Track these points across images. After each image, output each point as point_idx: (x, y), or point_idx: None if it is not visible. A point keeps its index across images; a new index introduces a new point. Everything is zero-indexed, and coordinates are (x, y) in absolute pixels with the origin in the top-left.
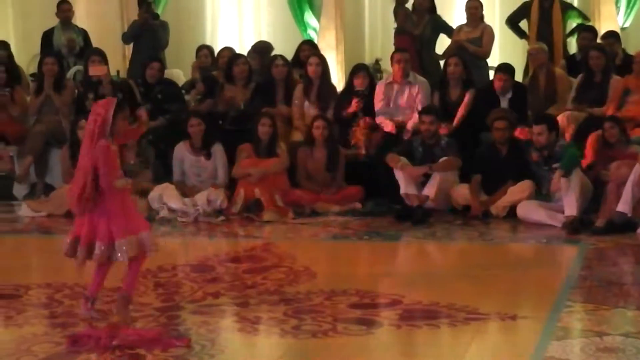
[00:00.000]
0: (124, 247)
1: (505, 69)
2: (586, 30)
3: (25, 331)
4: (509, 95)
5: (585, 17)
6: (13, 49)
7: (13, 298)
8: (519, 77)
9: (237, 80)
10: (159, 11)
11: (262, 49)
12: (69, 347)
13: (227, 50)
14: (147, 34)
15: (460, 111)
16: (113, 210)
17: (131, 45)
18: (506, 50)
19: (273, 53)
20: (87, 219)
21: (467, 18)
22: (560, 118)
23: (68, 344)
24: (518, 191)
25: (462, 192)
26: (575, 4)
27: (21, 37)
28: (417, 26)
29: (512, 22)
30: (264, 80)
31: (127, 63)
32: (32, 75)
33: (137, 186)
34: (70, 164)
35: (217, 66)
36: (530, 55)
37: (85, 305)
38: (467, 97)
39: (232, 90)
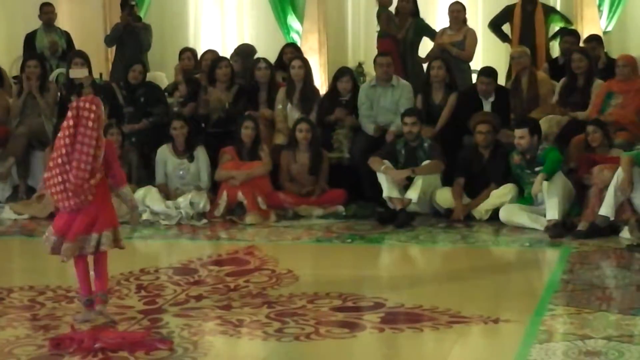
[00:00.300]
0: (108, 239)
1: (488, 73)
2: (569, 34)
3: (7, 334)
4: (492, 98)
5: (568, 21)
6: None
7: None
8: (501, 80)
9: (220, 83)
10: (142, 14)
11: (244, 52)
12: (52, 350)
13: (210, 52)
14: (130, 37)
15: (444, 114)
16: (108, 201)
17: (114, 48)
18: (489, 53)
19: (256, 56)
20: (83, 211)
21: (450, 21)
22: (542, 121)
23: (51, 347)
24: (501, 194)
25: (445, 195)
26: (558, 7)
27: (3, 39)
28: (400, 29)
29: (495, 25)
30: (247, 83)
31: (110, 66)
32: (14, 77)
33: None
34: None
35: (200, 69)
36: (513, 59)
37: (88, 308)
38: (450, 100)
39: (215, 93)
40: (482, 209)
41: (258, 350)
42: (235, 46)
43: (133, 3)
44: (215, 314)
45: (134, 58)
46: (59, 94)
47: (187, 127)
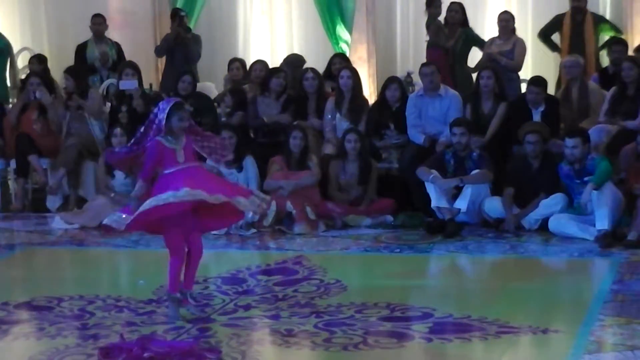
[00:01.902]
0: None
1: (538, 82)
2: (617, 43)
3: (57, 343)
4: (541, 108)
5: (617, 30)
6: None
7: (46, 310)
8: (551, 90)
9: (272, 93)
10: (192, 24)
11: (294, 62)
12: (101, 359)
13: (259, 63)
14: (180, 47)
15: (493, 124)
16: None
17: (164, 58)
18: (538, 63)
19: (305, 66)
20: None
21: (499, 31)
22: (592, 131)
23: (100, 356)
24: (550, 204)
25: (494, 205)
26: (608, 16)
27: (55, 50)
28: (449, 39)
29: (545, 35)
30: (296, 93)
31: (160, 76)
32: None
33: None
34: (105, 172)
35: (249, 79)
36: (565, 68)
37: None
38: (499, 110)
39: (265, 102)
40: (532, 218)
41: (306, 359)
42: (284, 56)
43: (183, 14)
44: (264, 323)
45: (183, 69)
46: (108, 104)
47: (235, 137)
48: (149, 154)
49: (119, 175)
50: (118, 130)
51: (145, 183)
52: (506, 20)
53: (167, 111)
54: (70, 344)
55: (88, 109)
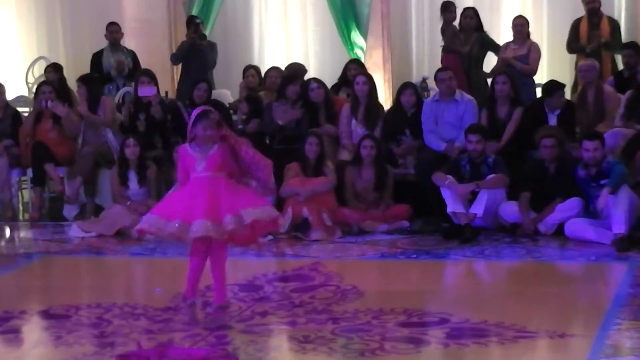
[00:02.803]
0: None
1: (561, 86)
2: (628, 47)
3: (75, 351)
4: (557, 112)
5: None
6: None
7: (63, 318)
8: (566, 94)
9: (289, 100)
10: (207, 32)
11: (294, 71)
12: None
13: (275, 70)
14: (195, 55)
15: (509, 129)
16: None
17: (180, 66)
18: (554, 67)
19: (311, 75)
20: None
21: (514, 35)
22: (608, 135)
23: None
24: (566, 209)
25: (510, 210)
26: (622, 19)
27: (71, 59)
28: (464, 45)
29: (573, 48)
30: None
31: (175, 84)
32: None
33: None
34: (119, 183)
35: (265, 86)
36: (581, 72)
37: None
38: (515, 115)
39: (281, 109)
40: (548, 223)
41: None
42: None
43: (198, 21)
44: (281, 330)
45: (199, 76)
46: (124, 112)
47: (251, 144)
48: (177, 160)
49: (133, 184)
50: (131, 141)
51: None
52: (521, 25)
53: (193, 119)
54: (88, 352)
55: (99, 121)
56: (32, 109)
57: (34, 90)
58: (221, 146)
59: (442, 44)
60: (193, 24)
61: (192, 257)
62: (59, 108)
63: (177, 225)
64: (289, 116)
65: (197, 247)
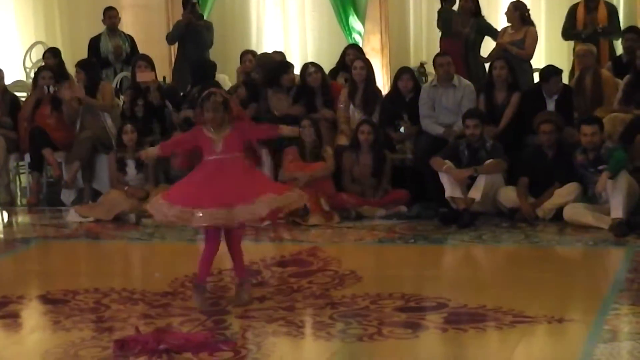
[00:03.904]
0: None
1: (558, 72)
2: (630, 31)
3: (73, 336)
4: (555, 97)
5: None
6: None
7: (61, 303)
8: (564, 79)
9: (283, 88)
10: (205, 16)
11: (266, 63)
12: (116, 352)
13: (278, 54)
14: (192, 35)
15: (506, 114)
16: None
17: (176, 50)
18: (552, 52)
19: (311, 60)
20: None
21: (508, 21)
22: (606, 120)
23: (115, 349)
24: (564, 194)
25: (508, 195)
26: (621, 5)
27: (68, 44)
28: (462, 29)
29: (568, 34)
30: (302, 88)
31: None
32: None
33: None
34: (117, 169)
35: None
36: (578, 57)
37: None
38: (513, 100)
39: (276, 96)
40: (546, 208)
41: (321, 351)
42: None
43: (195, 1)
44: (279, 315)
45: (196, 57)
46: (122, 97)
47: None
48: (183, 137)
49: (131, 170)
50: (129, 127)
51: (162, 149)
52: (510, 10)
53: (199, 103)
54: (86, 337)
55: (98, 106)
56: (30, 94)
57: (31, 75)
58: (236, 126)
59: (439, 29)
60: (189, 3)
61: (206, 243)
62: (62, 91)
63: (200, 215)
64: (289, 110)
65: (211, 232)
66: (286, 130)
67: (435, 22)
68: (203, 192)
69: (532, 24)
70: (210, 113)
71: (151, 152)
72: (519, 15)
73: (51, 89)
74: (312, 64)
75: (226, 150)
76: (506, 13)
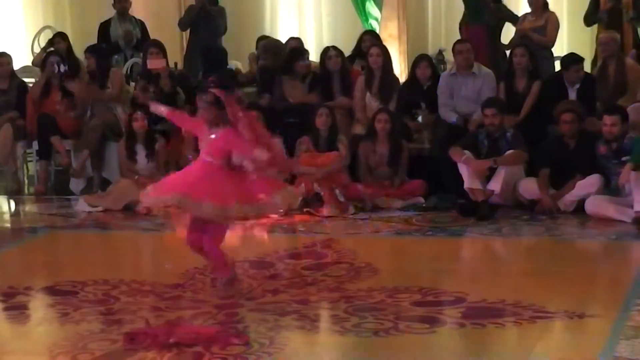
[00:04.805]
0: None
1: (579, 60)
2: None
3: (81, 328)
4: (577, 86)
5: None
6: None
7: (69, 294)
8: (587, 67)
9: (297, 75)
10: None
11: (274, 48)
12: (126, 345)
13: (294, 40)
14: (205, 21)
15: (527, 103)
16: None
17: (188, 36)
18: (573, 40)
19: (328, 44)
20: None
21: (530, 7)
22: (630, 109)
23: (125, 342)
24: (586, 185)
25: (529, 186)
26: None
27: (77, 29)
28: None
29: (590, 20)
30: (320, 73)
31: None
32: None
33: None
34: (127, 157)
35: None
36: (601, 45)
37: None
38: (533, 89)
39: (291, 84)
40: (567, 200)
41: (336, 345)
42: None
43: None
44: (292, 308)
45: (208, 43)
46: (132, 83)
47: (262, 118)
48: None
49: (141, 158)
50: (139, 114)
51: (170, 113)
52: None
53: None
54: (95, 329)
55: (108, 96)
56: (38, 79)
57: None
58: (226, 132)
59: (460, 13)
60: None
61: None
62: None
63: (211, 205)
64: (304, 98)
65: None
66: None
67: (453, 8)
68: (198, 186)
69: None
70: (200, 110)
71: (160, 109)
72: (543, 1)
73: (62, 68)
74: (333, 47)
75: (207, 152)
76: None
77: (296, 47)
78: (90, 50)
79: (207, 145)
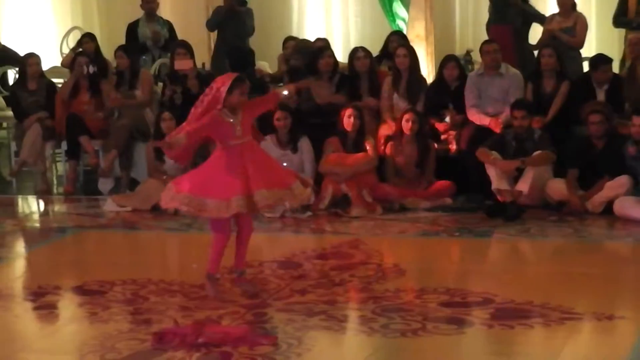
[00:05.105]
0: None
1: (607, 60)
2: None
3: (109, 328)
4: (606, 87)
5: None
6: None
7: (98, 294)
8: (615, 68)
9: (323, 74)
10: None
11: (305, 48)
12: (154, 345)
13: (320, 41)
14: (232, 21)
15: (555, 104)
16: None
17: (215, 36)
18: (602, 41)
19: (356, 45)
20: None
21: (559, 7)
22: None
23: (153, 342)
24: (615, 187)
25: (556, 187)
26: None
27: (105, 29)
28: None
29: (619, 22)
30: (348, 74)
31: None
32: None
33: None
34: (155, 157)
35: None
36: (630, 45)
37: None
38: (561, 89)
39: (317, 84)
40: (596, 201)
41: (363, 346)
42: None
43: None
44: (320, 308)
45: (236, 44)
46: (160, 84)
47: (290, 118)
48: (207, 122)
49: (169, 159)
50: (167, 114)
51: (188, 136)
52: None
53: (229, 84)
54: (123, 329)
55: (139, 102)
56: (67, 80)
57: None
58: (244, 109)
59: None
60: None
61: (219, 233)
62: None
63: (240, 201)
64: (331, 99)
65: (224, 222)
66: (282, 93)
67: (481, 8)
68: (229, 183)
69: None
70: (243, 97)
71: (177, 141)
72: (572, 2)
73: (91, 69)
74: (362, 48)
75: (244, 134)
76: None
77: (319, 46)
78: (122, 49)
79: (240, 127)
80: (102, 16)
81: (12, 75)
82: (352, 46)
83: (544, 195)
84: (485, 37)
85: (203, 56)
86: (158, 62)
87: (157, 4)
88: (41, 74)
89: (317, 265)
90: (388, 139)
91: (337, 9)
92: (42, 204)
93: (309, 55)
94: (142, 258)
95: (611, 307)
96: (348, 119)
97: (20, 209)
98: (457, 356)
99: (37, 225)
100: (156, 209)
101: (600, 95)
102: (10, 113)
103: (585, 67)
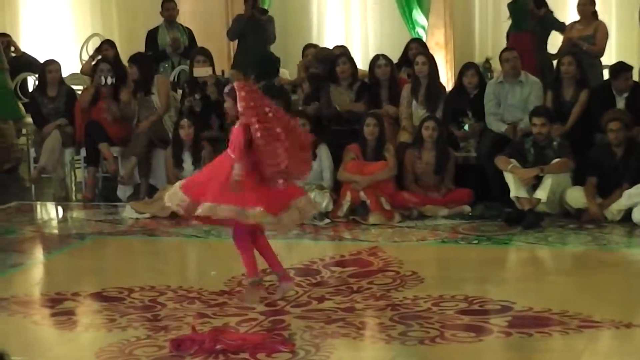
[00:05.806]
0: None
1: (628, 68)
2: None
3: (128, 334)
4: (626, 94)
5: None
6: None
7: (116, 301)
8: (635, 76)
9: (342, 80)
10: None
11: (326, 56)
12: (173, 351)
13: (339, 48)
14: (253, 30)
15: (575, 112)
16: None
17: (235, 44)
18: (622, 48)
19: (377, 52)
20: None
21: (579, 15)
22: None
23: (171, 348)
24: (634, 194)
25: (575, 195)
26: None
27: (125, 36)
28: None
29: None
30: (369, 82)
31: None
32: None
33: None
34: (174, 164)
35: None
36: None
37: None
38: (581, 97)
39: (337, 90)
40: (615, 209)
41: (381, 354)
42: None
43: None
44: (338, 316)
45: (257, 52)
46: (179, 91)
47: (309, 125)
48: (243, 139)
49: (188, 166)
50: (185, 122)
51: (244, 164)
52: (583, 4)
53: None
54: (141, 335)
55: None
56: (87, 87)
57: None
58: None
59: (507, 22)
60: None
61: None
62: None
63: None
64: (351, 106)
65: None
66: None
67: (500, 16)
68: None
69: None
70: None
71: (239, 174)
72: (592, 9)
73: (109, 80)
74: (383, 56)
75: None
76: (579, 6)
77: (336, 54)
78: (131, 60)
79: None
80: (122, 23)
81: (31, 81)
82: (371, 53)
83: (563, 203)
84: (505, 44)
85: (223, 63)
86: (177, 69)
87: (177, 11)
88: (61, 81)
89: (335, 273)
90: (407, 146)
91: (356, 17)
92: (61, 210)
93: (329, 63)
94: (161, 265)
95: (630, 315)
96: (367, 128)
97: (39, 216)
98: None
99: (56, 231)
100: (175, 216)
101: (620, 103)
102: (29, 119)
103: (606, 74)
